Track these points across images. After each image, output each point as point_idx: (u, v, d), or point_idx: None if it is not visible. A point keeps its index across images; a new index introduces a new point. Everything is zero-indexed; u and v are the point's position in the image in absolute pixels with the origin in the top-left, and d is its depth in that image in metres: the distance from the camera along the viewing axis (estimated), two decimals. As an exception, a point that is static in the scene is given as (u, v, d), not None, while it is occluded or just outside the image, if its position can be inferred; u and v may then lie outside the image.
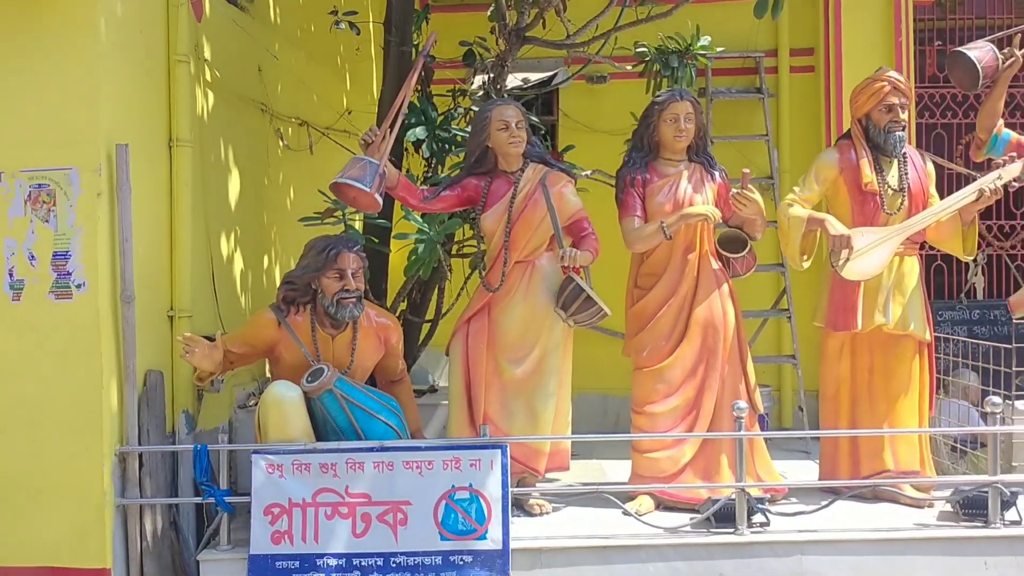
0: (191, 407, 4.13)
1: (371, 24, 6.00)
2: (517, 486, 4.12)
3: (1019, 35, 4.49)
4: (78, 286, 3.64)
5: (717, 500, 3.92)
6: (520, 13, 4.96)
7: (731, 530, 3.85)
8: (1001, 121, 4.53)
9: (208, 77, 4.38)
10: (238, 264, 4.70)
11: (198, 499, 3.89)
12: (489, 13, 5.17)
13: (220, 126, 4.50)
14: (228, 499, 3.78)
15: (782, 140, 6.66)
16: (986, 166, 4.53)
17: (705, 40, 5.60)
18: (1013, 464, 4.82)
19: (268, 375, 4.51)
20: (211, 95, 4.42)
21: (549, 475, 4.37)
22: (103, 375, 3.62)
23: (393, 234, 4.75)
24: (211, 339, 3.91)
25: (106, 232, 3.65)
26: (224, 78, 4.53)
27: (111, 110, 3.67)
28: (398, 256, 4.85)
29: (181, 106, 4.08)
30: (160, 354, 3.99)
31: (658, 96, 4.44)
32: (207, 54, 4.36)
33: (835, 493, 4.20)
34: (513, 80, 5.91)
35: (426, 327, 5.11)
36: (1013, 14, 7.09)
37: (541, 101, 6.93)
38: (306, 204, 5.10)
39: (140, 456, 3.77)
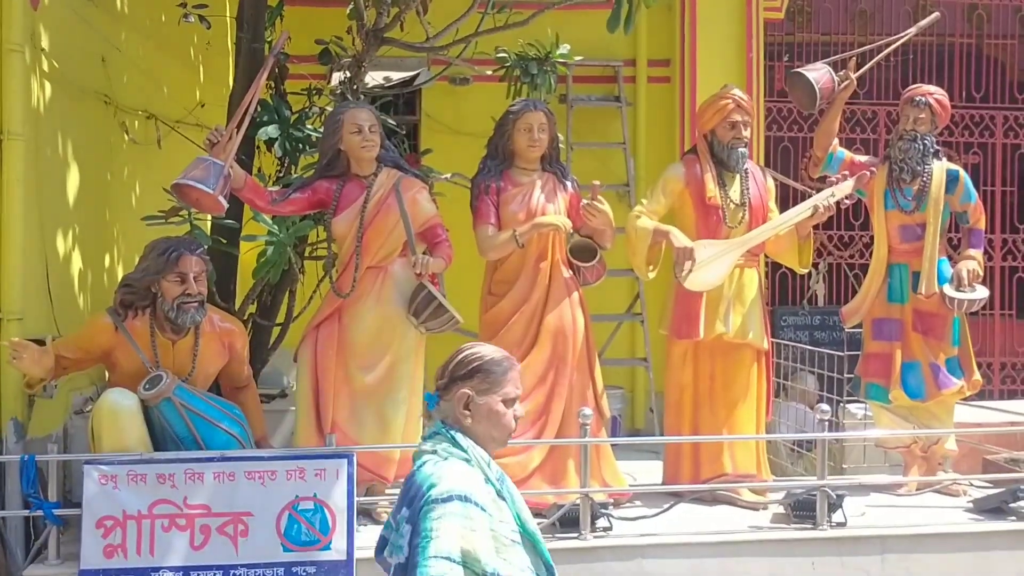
0: (20, 414, 3.93)
1: (227, 18, 5.82)
2: (365, 494, 4.09)
3: (854, 59, 4.74)
4: None
5: (563, 505, 3.99)
6: (379, 13, 4.91)
7: (575, 535, 3.92)
8: (836, 140, 4.77)
9: (45, 67, 4.17)
10: (76, 264, 4.50)
11: (25, 512, 3.70)
12: (348, 11, 5.10)
13: (58, 119, 4.29)
14: (58, 511, 3.61)
15: (639, 148, 6.83)
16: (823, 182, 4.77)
17: (564, 48, 5.67)
18: (844, 466, 5.10)
19: (107, 379, 4.34)
20: (48, 86, 4.20)
21: (398, 482, 4.35)
22: (-81, 383, 3.40)
23: (242, 235, 4.63)
24: (42, 343, 3.72)
25: (-75, 231, 3.43)
26: (63, 69, 4.31)
27: (-68, 101, 3.45)
28: (248, 257, 4.73)
29: (13, 98, 3.87)
30: (-14, 359, 3.77)
31: (513, 106, 4.48)
32: (44, 43, 4.14)
33: (677, 496, 4.34)
34: (374, 78, 5.85)
35: (276, 330, 5.00)
36: (855, 32, 7.48)
37: (403, 100, 6.89)
38: (152, 201, 4.91)
39: (-39, 467, 3.57)
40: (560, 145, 4.63)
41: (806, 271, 4.73)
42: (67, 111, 4.38)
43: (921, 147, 4.58)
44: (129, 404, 3.66)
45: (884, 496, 4.60)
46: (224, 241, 4.53)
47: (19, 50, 3.90)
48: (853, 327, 4.90)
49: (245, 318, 4.68)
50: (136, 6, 5.11)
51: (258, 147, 4.78)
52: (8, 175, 3.88)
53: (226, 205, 3.79)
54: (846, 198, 4.45)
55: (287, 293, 4.92)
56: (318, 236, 4.87)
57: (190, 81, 5.92)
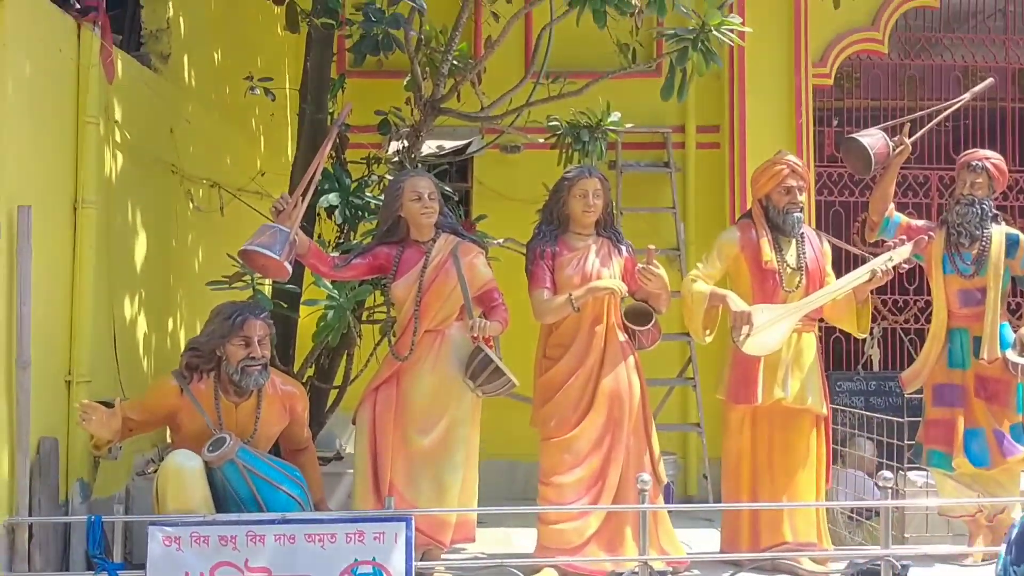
0: (86, 475, 4.00)
1: (287, 89, 6.01)
2: (422, 559, 4.08)
3: (907, 124, 4.76)
4: (-31, 351, 3.52)
5: (621, 573, 3.95)
6: (436, 84, 5.05)
7: (634, 602, 3.87)
8: (892, 205, 4.77)
9: (118, 138, 4.33)
10: (141, 327, 4.61)
11: (90, 573, 3.74)
12: (405, 83, 5.25)
13: (128, 187, 4.44)
14: (122, 573, 3.65)
15: (688, 213, 6.86)
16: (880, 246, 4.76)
17: (615, 116, 5.76)
18: (905, 536, 4.99)
19: (169, 440, 4.40)
20: (120, 156, 4.36)
21: (455, 546, 4.34)
22: (-7, 443, 3.49)
23: (303, 300, 4.72)
24: (110, 405, 3.81)
25: (3, 295, 3.54)
26: (134, 139, 4.48)
27: (15, 171, 3.59)
28: (307, 321, 4.82)
29: (88, 167, 4.02)
30: (55, 420, 3.86)
31: (568, 172, 4.56)
32: (117, 115, 4.31)
33: (736, 565, 4.27)
34: (428, 147, 5.98)
35: (333, 393, 5.06)
36: (904, 97, 7.50)
37: (456, 168, 7.01)
38: (215, 267, 5.03)
39: (30, 527, 3.63)
40: (613, 211, 4.68)
41: (864, 336, 4.70)
42: (136, 180, 4.54)
43: (979, 211, 4.56)
44: (193, 466, 3.72)
45: (949, 567, 4.48)
46: (285, 305, 4.62)
47: (94, 122, 4.06)
48: (913, 393, 4.84)
49: (304, 381, 4.74)
50: (203, 79, 5.31)
51: (319, 214, 4.89)
52: (81, 242, 4.01)
53: (291, 271, 3.88)
54: (904, 263, 4.43)
55: (345, 356, 4.99)
56: (375, 300, 4.95)
57: (251, 150, 6.10)
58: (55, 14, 3.89)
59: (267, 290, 4.72)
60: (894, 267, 4.36)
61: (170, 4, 4.85)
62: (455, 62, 5.17)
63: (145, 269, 4.63)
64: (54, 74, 3.88)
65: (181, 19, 4.97)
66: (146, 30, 4.83)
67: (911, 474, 5.29)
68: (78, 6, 4.06)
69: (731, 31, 4.46)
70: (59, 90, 3.92)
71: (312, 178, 4.04)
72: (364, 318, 4.97)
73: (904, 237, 4.51)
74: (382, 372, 4.28)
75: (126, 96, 4.37)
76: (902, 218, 4.78)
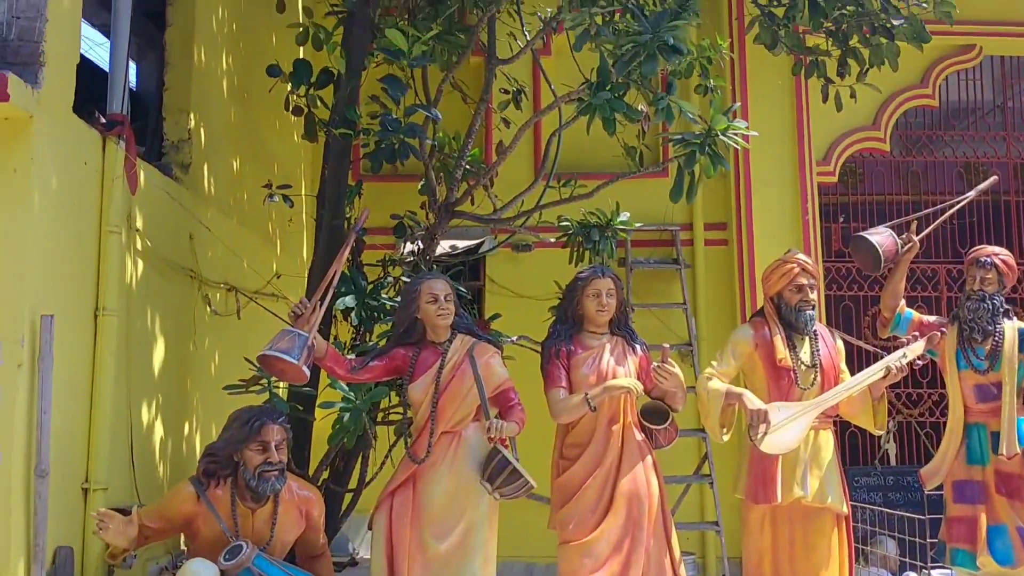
0: (101, 584, 3.96)
1: (303, 195, 6.14)
2: (440, 667, 3.99)
3: (915, 222, 4.83)
4: (-10, 460, 3.53)
5: None
6: (450, 189, 5.17)
7: None
8: (903, 300, 4.80)
9: (139, 246, 4.42)
10: (158, 433, 4.62)
11: None
12: (420, 187, 5.37)
13: (148, 294, 4.51)
14: None
15: (699, 309, 6.92)
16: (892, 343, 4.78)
17: (624, 216, 5.87)
18: (932, 637, 4.88)
19: (183, 548, 4.36)
20: (140, 263, 4.44)
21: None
22: (11, 553, 3.47)
23: (318, 402, 4.74)
24: (126, 512, 3.79)
25: (24, 404, 3.57)
26: (154, 246, 4.57)
27: (38, 281, 3.66)
28: (322, 423, 4.82)
29: (110, 276, 4.10)
30: (72, 529, 3.85)
31: (581, 272, 4.61)
32: (139, 224, 4.41)
33: (761, 670, 4.16)
34: (441, 247, 6.08)
35: (348, 496, 5.03)
36: (908, 192, 7.62)
37: (468, 267, 7.10)
38: (231, 370, 5.07)
39: (43, 639, 3.58)
40: (627, 309, 4.72)
41: (881, 432, 4.68)
42: (156, 286, 4.61)
43: (990, 307, 4.59)
44: (210, 574, 3.68)
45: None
46: (301, 408, 4.63)
47: (117, 231, 4.15)
48: (933, 489, 4.79)
49: (319, 484, 4.72)
50: (222, 186, 5.43)
51: (335, 316, 4.94)
52: (101, 349, 4.06)
53: (308, 375, 3.91)
54: (918, 359, 4.45)
55: (360, 458, 4.98)
56: (390, 401, 4.96)
57: (268, 254, 6.20)
58: (82, 128, 4.02)
59: (283, 393, 4.74)
60: (908, 363, 4.37)
61: (192, 115, 5.00)
62: (468, 166, 5.30)
63: (163, 374, 4.66)
64: (79, 186, 3.98)
65: (202, 129, 5.12)
66: (168, 141, 4.97)
67: (935, 573, 5.21)
68: (104, 120, 4.19)
69: (737, 135, 4.56)
70: (83, 201, 4.02)
71: (330, 283, 4.10)
72: (379, 419, 4.97)
73: (917, 333, 4.53)
74: (398, 475, 4.25)
75: (147, 205, 4.47)
76: (914, 314, 4.81)
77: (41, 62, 3.70)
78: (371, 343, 4.81)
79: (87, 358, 4.02)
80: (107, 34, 7.30)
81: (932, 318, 4.86)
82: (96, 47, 7.12)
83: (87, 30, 5.61)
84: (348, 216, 5.06)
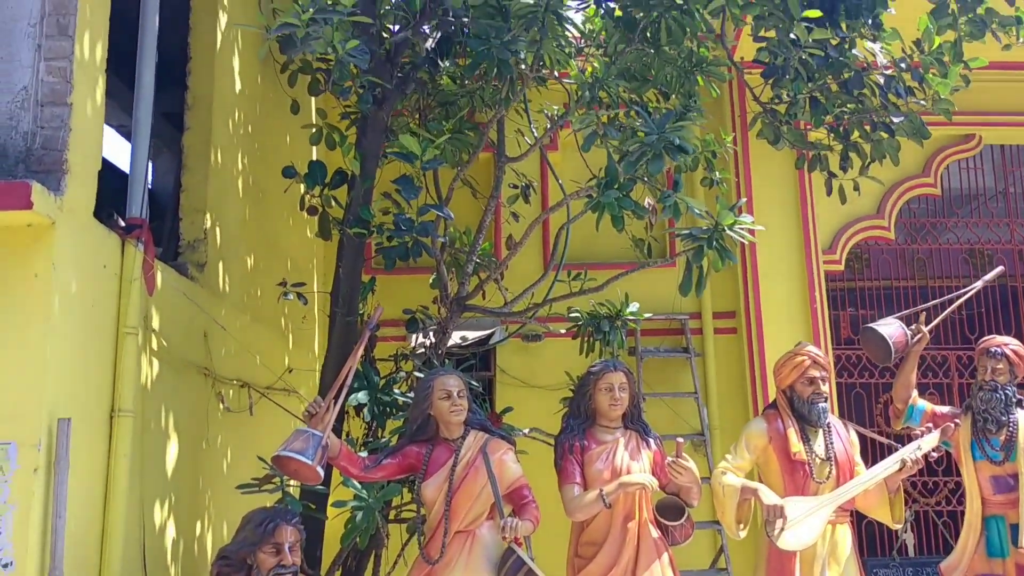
0: None
1: (316, 292, 6.22)
2: None
3: (923, 312, 4.87)
4: (4, 566, 3.50)
5: None
6: (461, 283, 5.23)
7: None
8: (915, 392, 4.81)
9: (154, 346, 4.46)
10: (170, 534, 4.59)
11: None
12: (431, 281, 5.44)
13: (162, 393, 4.53)
14: None
15: (710, 397, 6.91)
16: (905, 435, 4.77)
17: (634, 306, 5.93)
18: None
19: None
20: (156, 363, 4.48)
21: None
22: (22, 661, 3.42)
23: (331, 501, 4.71)
24: (138, 618, 3.76)
25: (39, 509, 3.56)
26: (170, 345, 4.61)
27: (56, 384, 3.69)
28: (335, 521, 4.79)
29: (126, 377, 4.12)
30: (82, 635, 3.80)
31: (593, 367, 4.63)
32: (155, 324, 4.45)
33: None
34: (452, 338, 6.12)
35: (361, 596, 4.97)
36: (915, 278, 7.67)
37: (479, 358, 7.13)
38: (244, 468, 5.07)
39: None
40: (640, 403, 4.73)
41: (900, 526, 4.64)
42: (171, 385, 4.63)
43: (1003, 397, 4.60)
44: None
45: None
46: (313, 507, 4.61)
47: (133, 333, 4.19)
48: (954, 583, 4.72)
49: (331, 585, 4.68)
50: (236, 283, 5.50)
51: (347, 412, 4.96)
52: (116, 451, 4.06)
53: (323, 475, 3.90)
54: (933, 451, 4.44)
55: (372, 558, 4.93)
56: (403, 498, 4.94)
57: (280, 348, 6.24)
58: (102, 232, 4.10)
59: (296, 492, 4.72)
60: (923, 456, 4.36)
61: (208, 215, 5.09)
62: (479, 260, 5.37)
63: (176, 474, 4.66)
64: (98, 289, 4.04)
65: (218, 228, 5.21)
66: (184, 240, 5.06)
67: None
68: (123, 224, 4.27)
69: (743, 229, 4.63)
70: (102, 304, 4.07)
71: (344, 382, 4.12)
72: (392, 517, 4.94)
73: (930, 425, 4.53)
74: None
75: (164, 305, 4.53)
76: (927, 405, 4.81)
77: (64, 170, 3.79)
78: (384, 439, 4.82)
79: (102, 460, 4.02)
80: (125, 134, 7.50)
81: (945, 409, 4.86)
82: (114, 144, 7.31)
83: (106, 130, 5.76)
84: (361, 312, 5.11)
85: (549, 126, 5.77)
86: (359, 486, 4.34)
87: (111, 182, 4.69)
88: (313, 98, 5.98)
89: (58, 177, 3.77)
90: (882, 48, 4.78)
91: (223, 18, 5.35)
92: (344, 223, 4.83)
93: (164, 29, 4.60)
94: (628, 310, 5.93)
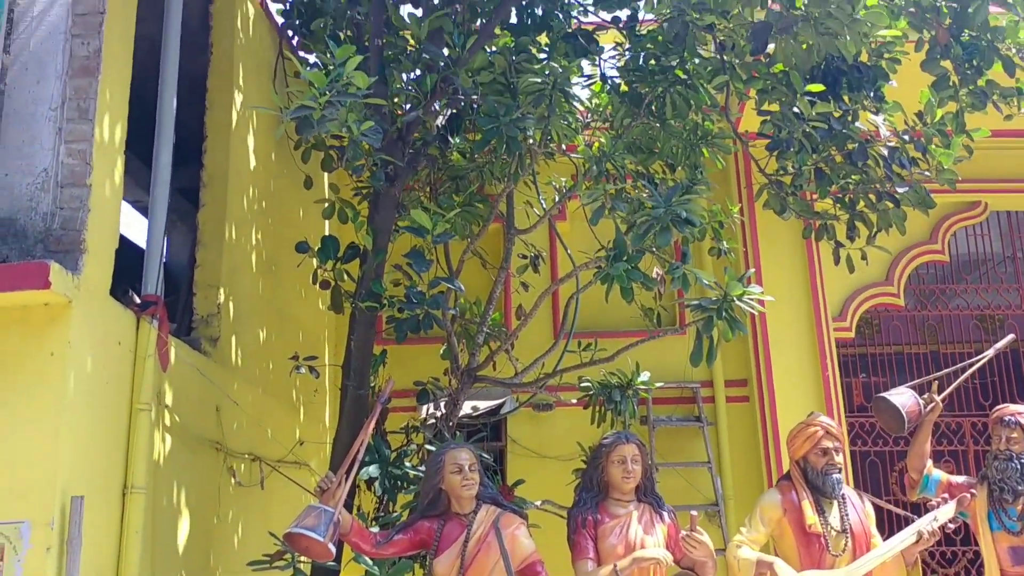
0: None
1: (327, 364, 6.25)
2: None
3: (936, 382, 4.86)
4: (16, 647, 3.49)
5: None
6: (471, 354, 5.26)
7: None
8: (930, 462, 4.78)
9: (167, 422, 4.48)
10: (180, 611, 4.55)
11: None
12: (441, 352, 5.46)
13: (174, 469, 4.54)
14: None
15: (724, 467, 6.86)
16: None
17: (645, 375, 5.93)
18: None
19: None
20: (168, 439, 4.49)
21: None
22: None
23: (343, 577, 4.68)
24: None
25: (51, 589, 3.56)
26: (182, 421, 4.63)
27: (69, 462, 3.70)
28: (347, 598, 4.76)
29: (139, 454, 4.13)
30: None
31: (605, 438, 4.62)
32: (168, 400, 4.48)
33: None
34: (463, 409, 6.13)
35: (372, 676, 4.89)
36: (926, 343, 7.66)
37: (490, 427, 7.12)
38: (254, 543, 5.04)
39: None
40: (654, 474, 4.71)
41: (919, 600, 4.58)
42: (183, 461, 4.64)
43: (1019, 467, 4.56)
44: None
45: None
46: (325, 583, 4.58)
47: (147, 409, 4.22)
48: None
49: (342, 664, 4.61)
50: (248, 357, 5.54)
51: (358, 486, 4.94)
52: (128, 527, 4.05)
53: (334, 552, 3.88)
54: (950, 522, 4.39)
55: (384, 635, 4.86)
56: (414, 575, 4.89)
57: (291, 421, 6.24)
58: (117, 310, 4.15)
59: (306, 568, 4.69)
60: (940, 527, 4.31)
61: (222, 290, 5.15)
62: (489, 331, 5.40)
63: (187, 550, 4.64)
64: (112, 366, 4.08)
65: (231, 303, 5.26)
66: (198, 315, 5.11)
67: None
68: (138, 301, 4.33)
69: (752, 300, 4.65)
70: (116, 381, 4.10)
71: (355, 456, 4.12)
72: (404, 593, 4.88)
73: (946, 495, 4.49)
74: (425, 655, 4.16)
75: (177, 381, 4.56)
76: (942, 475, 4.77)
77: (82, 249, 3.86)
78: (395, 514, 4.79)
79: (114, 537, 4.01)
80: (141, 210, 7.62)
81: (960, 479, 4.81)
82: (129, 218, 7.42)
83: (123, 206, 5.86)
84: (372, 385, 5.13)
85: (557, 198, 5.85)
86: (371, 562, 4.31)
87: (126, 256, 4.76)
88: (326, 173, 6.09)
89: (76, 257, 3.84)
90: (885, 120, 4.86)
91: (239, 98, 5.48)
92: (356, 297, 4.88)
93: (181, 107, 4.72)
94: (639, 379, 5.93)
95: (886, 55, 4.90)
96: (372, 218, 4.92)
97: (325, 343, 6.55)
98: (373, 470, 4.81)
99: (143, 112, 4.62)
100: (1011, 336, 5.19)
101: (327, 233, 5.61)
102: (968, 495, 4.54)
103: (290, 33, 6.02)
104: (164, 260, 5.45)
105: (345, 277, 5.05)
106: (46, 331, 3.74)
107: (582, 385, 5.99)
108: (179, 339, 4.75)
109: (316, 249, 4.98)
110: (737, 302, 4.62)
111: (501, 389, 6.96)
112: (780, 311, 6.78)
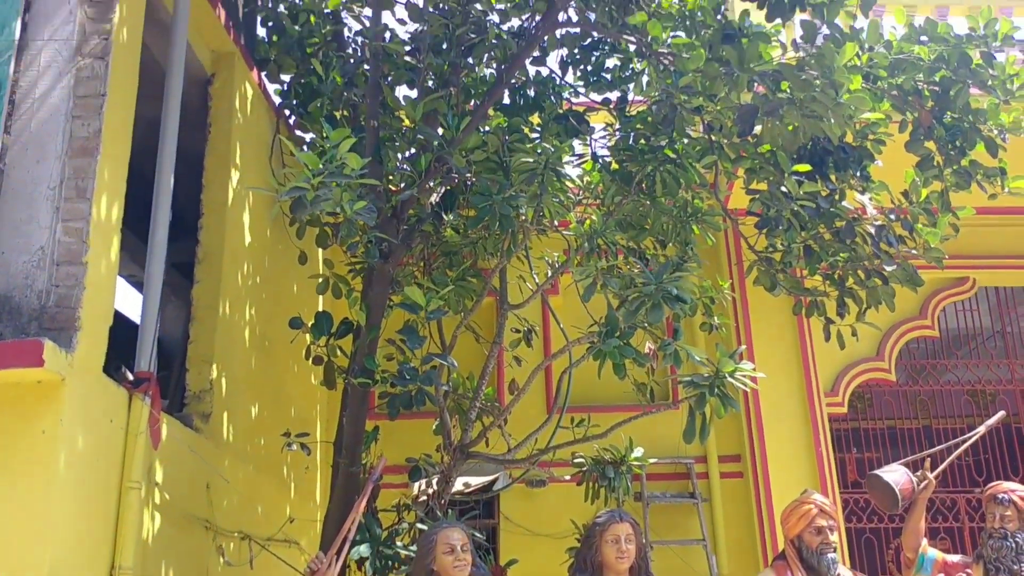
0: None
1: (319, 438, 6.21)
2: None
3: (929, 459, 4.86)
4: None
5: None
6: (464, 430, 5.24)
7: None
8: (925, 540, 4.75)
9: (157, 500, 4.43)
10: None
11: None
12: (434, 428, 5.44)
13: (163, 548, 4.48)
14: None
15: (719, 544, 6.80)
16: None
17: (638, 451, 5.91)
18: None
19: None
20: (158, 517, 4.44)
21: None
22: None
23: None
24: None
25: (34, 674, 3.48)
26: (172, 499, 4.58)
27: (58, 542, 3.65)
28: None
29: (127, 532, 4.07)
30: None
31: (599, 517, 4.58)
32: (158, 478, 4.44)
33: None
34: (455, 485, 6.08)
35: None
36: (918, 417, 7.66)
37: (482, 504, 7.05)
38: (242, 624, 4.96)
39: None
40: (648, 554, 4.67)
41: None
42: (172, 540, 4.58)
43: (1013, 545, 4.53)
44: None
45: None
46: (313, 666, 4.48)
47: (137, 487, 4.17)
48: None
49: None
50: (240, 433, 5.51)
51: (348, 566, 4.87)
52: (115, 610, 3.99)
53: (326, 635, 3.82)
54: (947, 602, 4.35)
55: None
56: (403, 660, 4.80)
57: (282, 498, 6.18)
58: (110, 387, 4.14)
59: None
60: (937, 607, 4.28)
61: (214, 366, 5.15)
62: (481, 405, 5.39)
63: (173, 633, 4.56)
64: (103, 444, 4.05)
65: (223, 379, 5.26)
66: (190, 391, 5.10)
67: None
68: (131, 378, 4.33)
69: (744, 376, 4.67)
70: (107, 459, 4.07)
71: (346, 535, 4.09)
72: (394, 678, 4.80)
73: (942, 574, 4.45)
74: None
75: (168, 459, 4.52)
76: (937, 554, 4.74)
77: (76, 327, 3.87)
78: (385, 594, 4.73)
79: (100, 620, 3.95)
80: (136, 284, 7.65)
81: (956, 558, 4.78)
82: (123, 292, 7.43)
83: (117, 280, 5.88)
84: (364, 462, 5.10)
85: (550, 273, 5.90)
86: (361, 645, 4.24)
87: (120, 331, 4.77)
88: (321, 249, 6.14)
89: (70, 334, 3.85)
90: (871, 199, 4.94)
91: (235, 175, 5.55)
92: (349, 372, 4.88)
93: (177, 182, 4.77)
94: (633, 455, 5.90)
95: (871, 136, 5.01)
96: (366, 294, 4.96)
97: (317, 419, 6.52)
98: (364, 549, 4.75)
99: (140, 188, 4.67)
100: (1001, 413, 5.20)
101: (321, 308, 5.64)
102: (963, 575, 4.50)
103: (287, 112, 6.14)
104: (157, 335, 5.46)
105: (338, 353, 5.06)
106: (38, 409, 3.72)
107: (575, 461, 5.96)
108: (171, 416, 4.73)
109: (310, 325, 5.00)
110: (729, 379, 4.64)
111: (494, 465, 6.93)
112: (773, 386, 6.80)
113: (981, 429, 5.06)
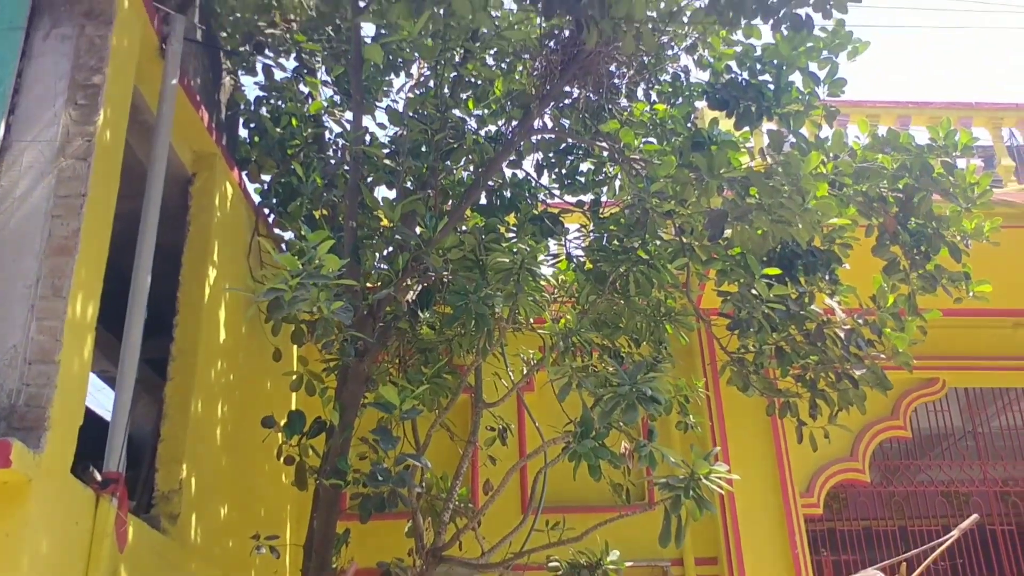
0: None
1: (288, 540, 6.09)
2: None
3: (904, 563, 4.84)
4: None
5: None
6: (437, 532, 5.17)
7: None
8: (906, 647, 4.71)
9: (122, 605, 4.32)
10: None
11: None
12: (407, 530, 5.36)
13: (125, 657, 4.34)
14: None
15: (696, 648, 6.67)
16: None
17: (614, 555, 5.82)
18: None
19: None
20: (123, 625, 4.32)
21: None
22: None
23: None
24: None
25: None
26: (137, 606, 4.46)
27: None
28: None
29: (91, 649, 3.96)
30: None
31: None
32: (123, 582, 4.33)
33: None
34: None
35: None
36: (893, 517, 7.63)
37: (457, 609, 6.88)
38: None
39: None
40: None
41: None
42: (135, 647, 4.44)
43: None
44: None
45: None
46: None
47: (101, 591, 4.07)
48: None
49: None
50: (208, 535, 5.39)
51: (317, 673, 4.74)
52: None
53: None
54: None
55: None
56: None
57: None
58: (77, 488, 4.06)
59: None
60: None
61: (184, 466, 5.07)
62: (455, 505, 5.33)
63: None
64: (69, 547, 3.95)
65: (193, 479, 5.17)
66: (159, 491, 5.01)
67: None
68: (99, 479, 4.25)
69: (720, 478, 4.66)
70: (71, 563, 3.96)
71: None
72: None
73: None
74: None
75: (133, 562, 4.41)
76: (917, 661, 4.69)
77: (46, 427, 3.81)
78: None
79: None
80: (107, 380, 7.57)
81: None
82: (94, 388, 7.34)
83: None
84: (334, 566, 5.00)
85: (525, 371, 5.91)
86: None
87: (89, 427, 4.70)
88: (296, 346, 6.12)
89: (39, 434, 3.79)
90: (840, 302, 5.03)
91: (212, 273, 5.57)
92: (320, 473, 4.83)
93: (154, 279, 4.75)
94: (608, 558, 5.81)
95: (838, 240, 5.13)
96: (340, 392, 4.94)
97: (287, 520, 6.40)
98: (333, 657, 4.63)
99: (116, 283, 4.66)
100: (974, 516, 5.22)
101: (294, 406, 5.59)
102: None
103: (267, 211, 6.20)
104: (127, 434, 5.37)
105: (310, 452, 5.01)
106: (3, 511, 3.64)
107: (550, 565, 5.85)
108: (138, 517, 4.64)
109: (282, 424, 4.96)
110: (704, 481, 4.63)
111: (467, 570, 6.80)
112: (748, 487, 6.77)
113: (955, 533, 5.06)
